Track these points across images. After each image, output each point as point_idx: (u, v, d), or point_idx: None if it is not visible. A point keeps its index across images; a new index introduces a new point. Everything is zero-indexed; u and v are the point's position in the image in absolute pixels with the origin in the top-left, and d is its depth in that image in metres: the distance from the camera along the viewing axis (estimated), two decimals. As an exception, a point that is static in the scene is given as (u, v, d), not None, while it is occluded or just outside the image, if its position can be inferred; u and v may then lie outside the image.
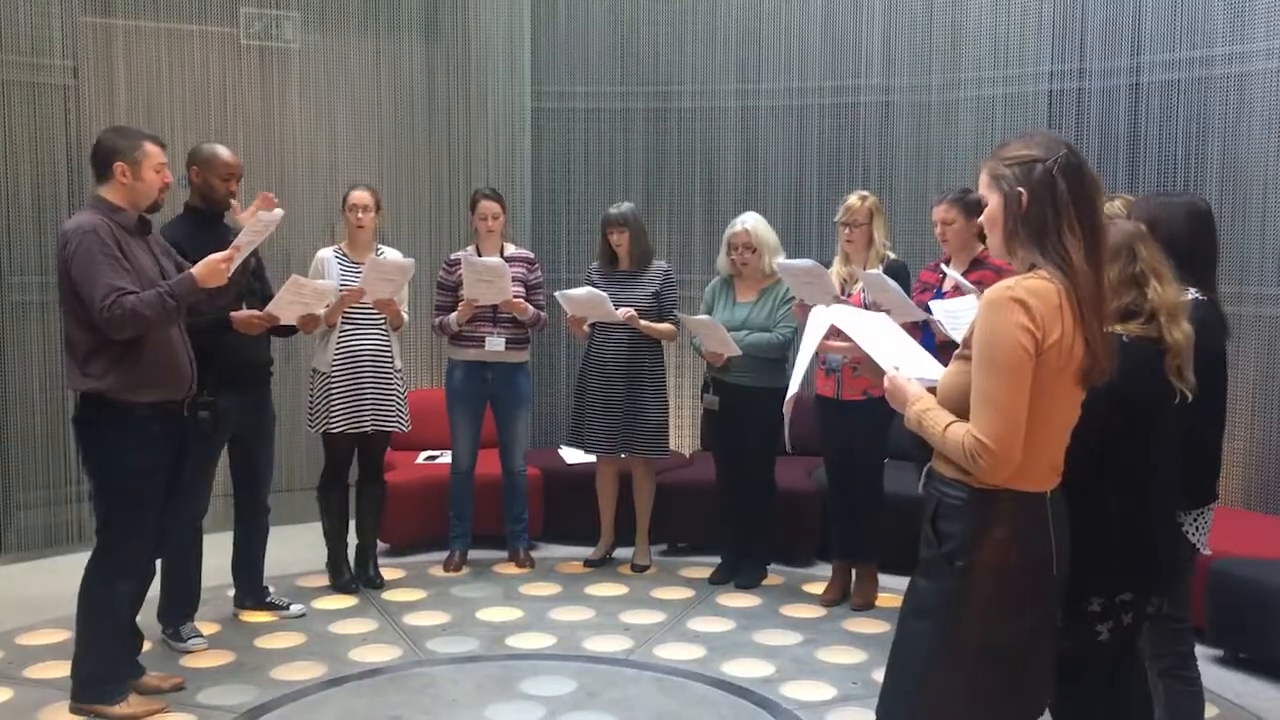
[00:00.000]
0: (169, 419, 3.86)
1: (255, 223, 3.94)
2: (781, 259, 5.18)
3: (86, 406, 3.79)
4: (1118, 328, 2.61)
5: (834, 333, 2.74)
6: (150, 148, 3.85)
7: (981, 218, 2.38)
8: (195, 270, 3.73)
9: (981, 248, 4.58)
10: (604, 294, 5.29)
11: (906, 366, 2.48)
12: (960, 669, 2.30)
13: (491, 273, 5.25)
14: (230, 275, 3.85)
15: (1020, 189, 2.26)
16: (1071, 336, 2.22)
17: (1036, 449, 2.26)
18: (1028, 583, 2.29)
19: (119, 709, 3.86)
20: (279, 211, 4.03)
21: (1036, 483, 2.30)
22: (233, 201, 4.50)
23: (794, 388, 2.79)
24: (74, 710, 3.90)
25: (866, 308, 4.72)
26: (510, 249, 5.61)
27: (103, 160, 3.84)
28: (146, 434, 3.78)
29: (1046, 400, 2.23)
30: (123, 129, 4.05)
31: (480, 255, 5.49)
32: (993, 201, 2.32)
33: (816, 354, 2.83)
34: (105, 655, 3.88)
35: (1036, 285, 2.22)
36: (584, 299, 5.28)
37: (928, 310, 4.49)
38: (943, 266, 4.53)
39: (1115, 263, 2.63)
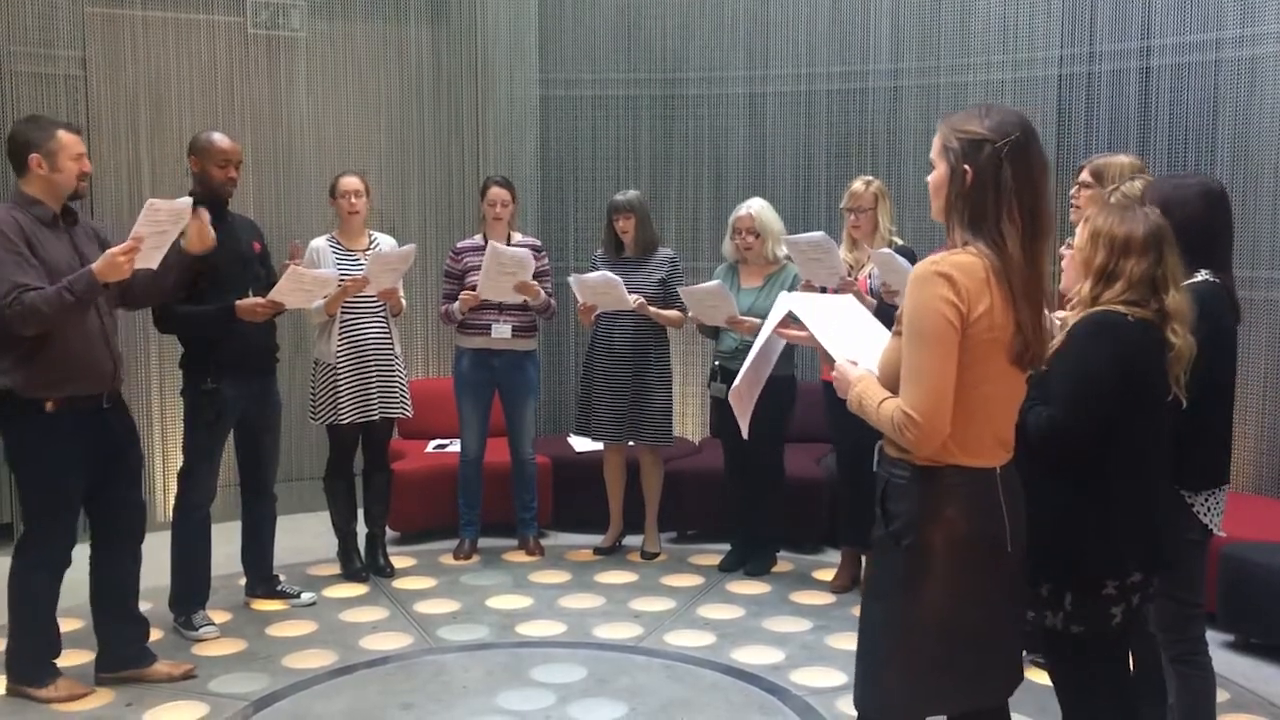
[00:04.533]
0: (83, 415, 3.82)
1: (153, 211, 3.76)
2: (783, 270, 5.19)
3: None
4: (1121, 308, 2.61)
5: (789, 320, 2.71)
6: (65, 136, 3.81)
7: (929, 178, 2.37)
8: (95, 265, 3.67)
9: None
10: (618, 278, 5.26)
11: (864, 357, 2.45)
12: (916, 648, 2.29)
13: (516, 263, 5.21)
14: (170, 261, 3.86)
15: (966, 166, 2.24)
16: (1001, 311, 2.21)
17: (979, 423, 2.26)
18: (980, 560, 2.27)
19: (45, 692, 3.92)
20: (185, 201, 3.90)
21: (982, 458, 2.28)
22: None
23: (738, 379, 2.78)
24: (10, 691, 3.96)
25: (873, 292, 4.72)
26: (517, 237, 5.60)
27: (18, 153, 3.79)
28: (57, 431, 3.76)
29: (982, 374, 2.23)
30: (36, 119, 4.00)
31: (487, 242, 5.46)
32: (940, 169, 2.32)
33: (769, 340, 2.79)
34: (30, 642, 3.92)
35: (962, 259, 2.22)
36: (598, 283, 5.26)
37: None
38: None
39: (1143, 259, 2.63)
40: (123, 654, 4.09)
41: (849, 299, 2.82)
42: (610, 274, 5.29)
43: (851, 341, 2.54)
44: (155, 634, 4.50)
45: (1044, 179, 2.28)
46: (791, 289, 5.12)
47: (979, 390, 2.23)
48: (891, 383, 2.30)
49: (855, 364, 2.42)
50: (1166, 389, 2.69)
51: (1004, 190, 2.22)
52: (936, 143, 2.33)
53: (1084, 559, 2.54)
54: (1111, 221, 2.68)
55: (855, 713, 3.96)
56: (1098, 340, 2.58)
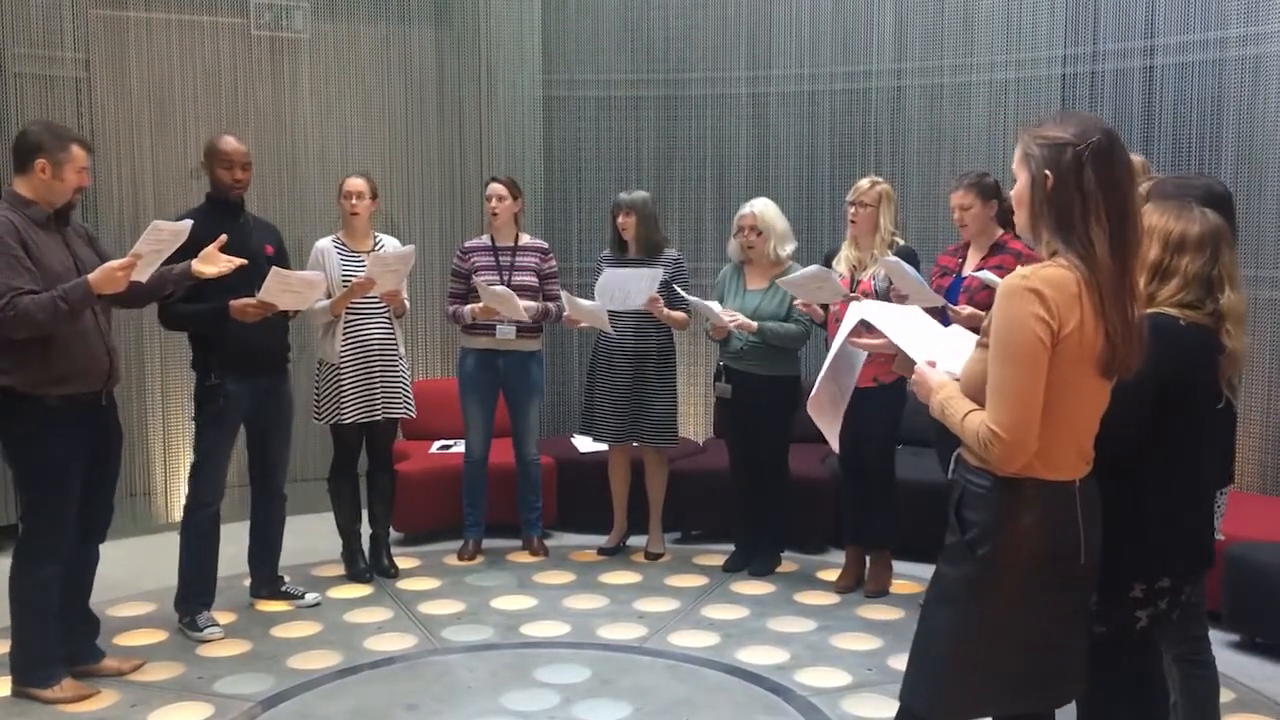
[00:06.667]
0: (84, 410, 3.86)
1: (156, 232, 3.84)
2: (786, 273, 5.14)
3: None
4: (1173, 310, 2.59)
5: (862, 329, 2.72)
6: (77, 150, 3.84)
7: (1011, 192, 2.35)
8: (92, 277, 3.69)
9: (1000, 232, 4.57)
10: (602, 307, 5.24)
11: (942, 360, 2.45)
12: (983, 656, 2.30)
13: (504, 299, 5.22)
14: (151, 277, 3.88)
15: (1047, 171, 2.22)
16: (1091, 325, 2.19)
17: (1062, 437, 2.24)
18: (1053, 572, 2.28)
19: (51, 692, 3.92)
20: (186, 223, 3.96)
21: (1063, 471, 2.27)
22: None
23: (815, 390, 2.78)
24: (15, 693, 3.96)
25: (878, 294, 4.72)
26: (525, 239, 5.61)
27: (26, 153, 3.80)
28: (59, 426, 3.78)
29: (1068, 388, 2.21)
30: (54, 126, 4.04)
31: (494, 242, 5.50)
32: (1021, 179, 2.29)
33: (843, 350, 2.81)
34: (36, 641, 3.92)
35: (1053, 274, 2.19)
36: (589, 310, 5.27)
37: (946, 296, 4.48)
38: (987, 273, 4.35)
39: (1198, 257, 2.61)
40: (73, 651, 4.09)
41: (915, 309, 2.83)
42: (595, 304, 5.27)
43: (928, 345, 2.54)
44: (160, 635, 4.53)
45: (1130, 182, 2.25)
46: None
47: (1065, 405, 2.22)
48: (975, 395, 2.29)
49: (934, 365, 2.42)
50: (1216, 394, 2.65)
51: (1089, 193, 2.18)
52: (1017, 152, 2.30)
53: (1113, 559, 2.52)
54: (1167, 218, 2.66)
55: (863, 713, 3.98)
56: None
